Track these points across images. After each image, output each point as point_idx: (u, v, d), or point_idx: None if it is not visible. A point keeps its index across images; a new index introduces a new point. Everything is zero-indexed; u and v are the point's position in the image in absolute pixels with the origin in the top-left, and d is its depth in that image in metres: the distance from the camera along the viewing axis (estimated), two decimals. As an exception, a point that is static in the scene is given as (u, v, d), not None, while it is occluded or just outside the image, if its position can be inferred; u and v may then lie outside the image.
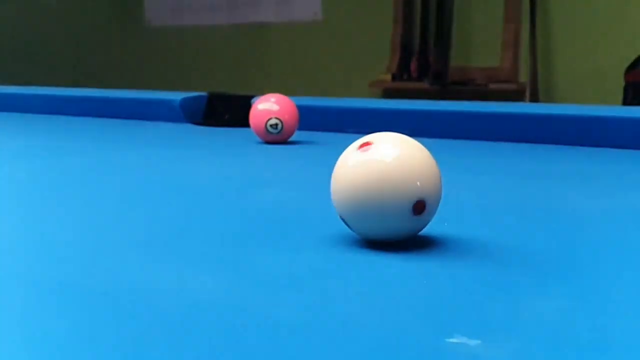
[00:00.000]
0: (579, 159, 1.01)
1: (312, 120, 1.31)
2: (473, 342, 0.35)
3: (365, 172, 0.49)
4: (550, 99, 3.35)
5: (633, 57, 3.01)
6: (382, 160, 0.49)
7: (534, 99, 3.28)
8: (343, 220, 0.52)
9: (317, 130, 1.31)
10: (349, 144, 0.54)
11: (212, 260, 0.50)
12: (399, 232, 0.50)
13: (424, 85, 3.51)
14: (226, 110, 1.50)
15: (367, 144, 0.51)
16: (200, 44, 4.38)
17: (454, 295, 0.42)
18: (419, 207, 0.49)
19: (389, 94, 3.68)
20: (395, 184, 0.49)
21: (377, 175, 0.49)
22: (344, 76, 3.87)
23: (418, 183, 0.49)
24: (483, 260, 0.50)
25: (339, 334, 0.37)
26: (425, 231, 0.55)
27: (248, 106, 1.29)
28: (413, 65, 3.60)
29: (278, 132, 1.12)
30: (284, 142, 1.14)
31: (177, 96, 1.53)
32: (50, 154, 1.07)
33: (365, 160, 0.50)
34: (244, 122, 1.25)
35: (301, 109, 1.18)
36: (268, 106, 1.12)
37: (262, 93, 1.26)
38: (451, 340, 0.35)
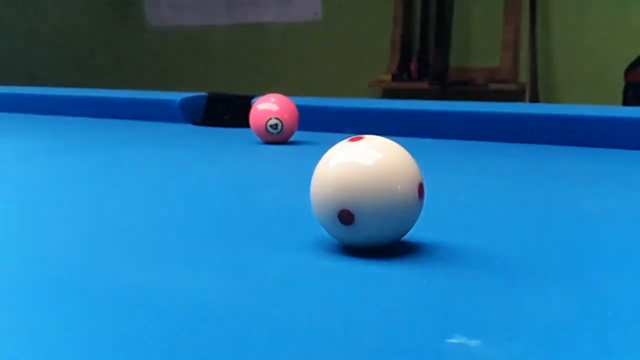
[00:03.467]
0: (579, 159, 1.01)
1: (312, 120, 1.31)
2: (473, 343, 0.35)
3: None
4: (550, 99, 3.35)
5: (633, 57, 3.01)
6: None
7: (534, 99, 3.27)
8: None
9: (317, 130, 1.31)
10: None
11: (211, 261, 0.50)
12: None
13: (424, 85, 3.51)
14: (226, 110, 1.50)
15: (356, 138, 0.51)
16: (200, 44, 4.38)
17: (454, 296, 0.42)
18: (345, 216, 0.48)
19: (389, 94, 3.68)
20: (324, 192, 0.49)
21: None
22: (344, 76, 3.87)
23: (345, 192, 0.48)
24: (483, 261, 0.50)
25: (338, 334, 0.37)
26: (424, 233, 0.55)
27: (248, 106, 1.29)
28: (413, 65, 3.60)
29: (278, 132, 1.11)
30: (284, 142, 1.14)
31: (177, 96, 1.53)
32: (50, 154, 1.07)
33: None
34: (244, 122, 1.25)
35: (301, 109, 1.17)
36: (268, 106, 1.12)
37: (262, 93, 1.26)
38: (451, 340, 0.35)
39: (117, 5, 4.68)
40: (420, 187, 0.50)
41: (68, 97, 1.72)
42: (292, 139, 1.15)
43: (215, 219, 0.64)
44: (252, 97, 1.46)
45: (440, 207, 0.69)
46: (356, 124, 1.29)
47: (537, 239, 0.56)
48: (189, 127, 1.44)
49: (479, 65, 3.50)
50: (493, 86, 3.35)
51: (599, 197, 0.74)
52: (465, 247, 0.53)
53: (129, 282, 0.45)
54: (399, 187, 0.48)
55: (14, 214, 0.67)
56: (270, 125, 1.11)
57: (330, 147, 0.52)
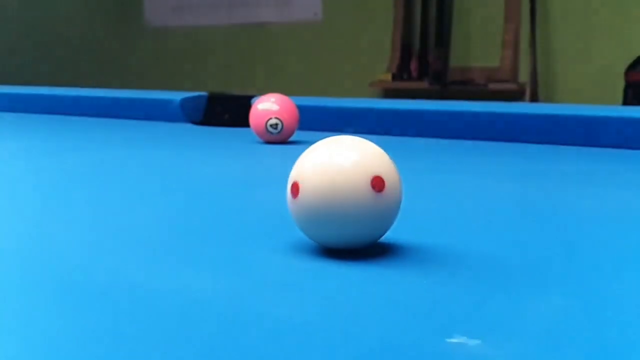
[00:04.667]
0: (579, 159, 1.01)
1: (312, 120, 1.31)
2: (473, 343, 0.35)
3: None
4: (550, 99, 3.35)
5: (633, 57, 3.01)
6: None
7: (534, 99, 3.27)
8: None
9: (317, 130, 1.31)
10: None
11: (211, 261, 0.50)
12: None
13: (424, 85, 3.51)
14: (226, 110, 1.50)
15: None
16: (200, 44, 4.38)
17: (455, 296, 0.42)
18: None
19: (389, 94, 3.68)
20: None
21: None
22: (344, 76, 3.87)
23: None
24: (483, 262, 0.49)
25: (338, 335, 0.37)
26: (423, 234, 0.55)
27: (248, 106, 1.29)
28: (413, 65, 3.60)
29: (278, 132, 1.12)
30: (284, 142, 1.14)
31: (177, 96, 1.53)
32: (50, 154, 1.07)
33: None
34: (244, 122, 1.25)
35: (301, 109, 1.17)
36: (268, 106, 1.12)
37: (263, 93, 1.26)
38: (451, 340, 0.35)
39: (117, 5, 4.68)
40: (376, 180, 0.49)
41: (68, 97, 1.72)
42: (292, 139, 1.15)
43: (215, 219, 0.64)
44: (252, 97, 1.46)
45: (440, 207, 0.69)
46: (356, 124, 1.29)
47: (536, 239, 0.56)
48: (189, 127, 1.44)
49: (479, 65, 3.50)
50: (493, 86, 3.35)
51: (599, 197, 0.74)
52: (465, 248, 0.53)
53: (128, 282, 0.45)
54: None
55: (14, 214, 0.66)
56: (270, 125, 1.11)
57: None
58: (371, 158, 0.49)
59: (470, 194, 0.76)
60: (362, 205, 0.48)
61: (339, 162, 0.49)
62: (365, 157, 0.49)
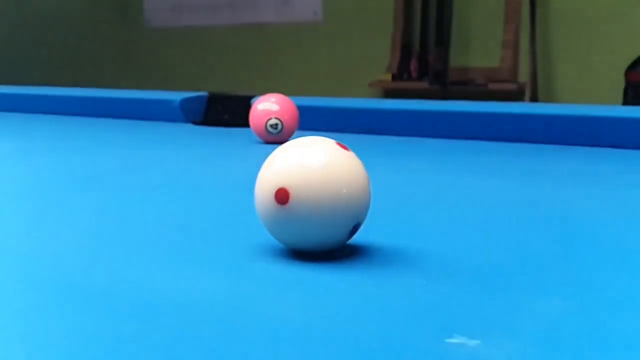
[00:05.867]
0: (579, 159, 1.01)
1: (312, 120, 1.31)
2: (472, 343, 0.35)
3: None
4: (550, 99, 3.34)
5: (633, 57, 3.01)
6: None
7: (534, 99, 3.27)
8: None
9: (317, 130, 1.31)
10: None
11: (211, 261, 0.50)
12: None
13: (424, 85, 3.51)
14: (226, 110, 1.50)
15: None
16: (200, 44, 4.38)
17: (455, 296, 0.42)
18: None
19: (389, 94, 3.67)
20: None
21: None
22: (344, 76, 3.87)
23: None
24: (483, 261, 0.50)
25: (338, 335, 0.37)
26: (423, 235, 0.55)
27: (248, 106, 1.29)
28: (413, 65, 3.60)
29: (278, 132, 1.12)
30: (284, 142, 1.14)
31: (177, 96, 1.53)
32: (50, 154, 1.07)
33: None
34: (244, 122, 1.25)
35: (301, 109, 1.17)
36: (268, 106, 1.12)
37: (262, 93, 1.26)
38: (450, 340, 0.35)
39: (117, 5, 4.68)
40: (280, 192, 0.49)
41: (68, 97, 1.72)
42: (292, 138, 1.15)
43: (215, 219, 0.64)
44: (252, 97, 1.46)
45: (439, 207, 0.69)
46: (356, 124, 1.29)
47: (536, 239, 0.56)
48: (189, 127, 1.44)
49: (479, 65, 3.50)
50: (493, 86, 3.34)
51: (599, 197, 0.74)
52: (465, 248, 0.53)
53: (128, 282, 0.45)
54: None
55: (13, 214, 0.67)
56: (270, 125, 1.11)
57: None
58: (285, 168, 0.51)
59: (469, 194, 0.76)
60: (268, 218, 0.49)
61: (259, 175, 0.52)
62: (276, 167, 0.51)
